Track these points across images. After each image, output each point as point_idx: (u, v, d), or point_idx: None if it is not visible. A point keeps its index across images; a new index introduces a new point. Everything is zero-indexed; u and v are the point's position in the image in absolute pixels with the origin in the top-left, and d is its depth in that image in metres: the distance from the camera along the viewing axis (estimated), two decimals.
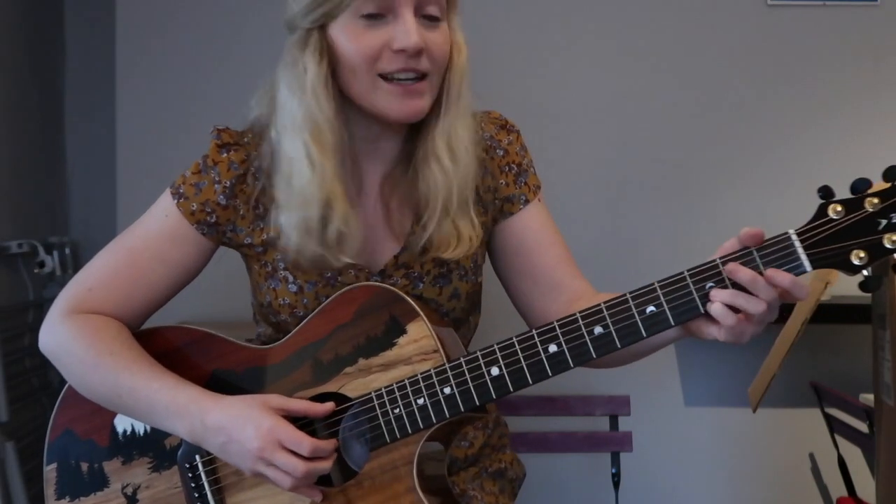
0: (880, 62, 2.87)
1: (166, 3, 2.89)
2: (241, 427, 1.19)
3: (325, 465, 1.20)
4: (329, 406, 1.23)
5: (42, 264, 2.59)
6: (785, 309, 1.86)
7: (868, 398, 2.21)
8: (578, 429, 2.56)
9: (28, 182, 2.68)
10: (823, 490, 2.87)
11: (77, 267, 2.77)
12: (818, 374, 2.76)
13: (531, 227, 1.42)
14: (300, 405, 1.23)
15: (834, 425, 2.60)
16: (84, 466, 1.36)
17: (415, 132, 1.35)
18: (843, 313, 2.50)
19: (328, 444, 1.21)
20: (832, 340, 2.81)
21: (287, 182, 1.28)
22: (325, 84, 1.26)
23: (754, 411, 2.22)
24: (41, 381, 2.69)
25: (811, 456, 2.89)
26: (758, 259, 1.11)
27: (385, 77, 1.25)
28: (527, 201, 1.42)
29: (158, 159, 2.79)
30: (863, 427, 2.34)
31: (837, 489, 2.69)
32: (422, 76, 1.26)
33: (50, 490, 1.38)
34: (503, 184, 1.41)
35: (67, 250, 2.76)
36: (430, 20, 1.26)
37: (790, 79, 2.88)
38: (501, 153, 1.42)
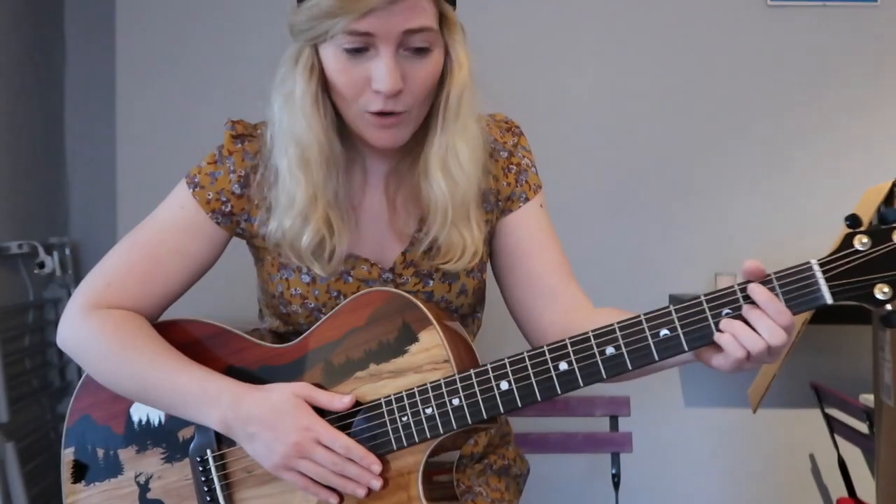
0: (880, 62, 2.88)
1: (166, 3, 2.88)
2: (278, 419, 1.20)
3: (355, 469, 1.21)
4: (349, 400, 1.23)
5: (42, 265, 2.59)
6: None
7: (868, 399, 2.21)
8: (578, 429, 2.55)
9: (28, 182, 2.68)
10: (823, 490, 2.88)
11: (77, 267, 2.78)
12: (818, 374, 2.77)
13: (528, 229, 1.42)
14: (324, 397, 1.23)
15: (834, 426, 2.61)
16: (100, 452, 1.37)
17: (421, 130, 1.34)
18: (844, 314, 2.48)
19: (360, 449, 1.21)
20: (832, 341, 2.82)
21: (276, 188, 1.31)
22: (315, 102, 1.27)
23: (754, 412, 2.22)
24: (41, 381, 2.69)
25: (811, 456, 2.90)
26: (777, 288, 1.09)
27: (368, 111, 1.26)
28: (526, 199, 1.42)
29: (158, 159, 2.80)
30: (863, 428, 2.34)
31: (837, 490, 2.70)
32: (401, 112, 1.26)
33: (67, 474, 1.39)
34: (505, 184, 1.42)
35: (67, 251, 2.76)
36: (417, 52, 1.24)
37: (790, 79, 2.89)
38: (505, 155, 1.42)
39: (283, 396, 1.22)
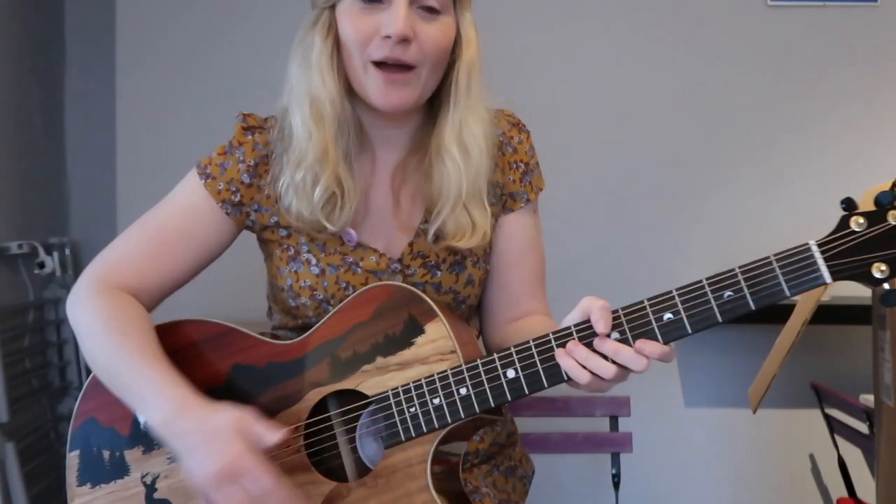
0: (880, 62, 2.89)
1: (166, 3, 2.89)
2: (211, 440, 1.16)
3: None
4: (283, 435, 1.18)
5: (42, 265, 2.59)
6: (785, 309, 1.87)
7: (868, 399, 2.21)
8: (579, 429, 2.55)
9: (28, 182, 2.67)
10: (823, 491, 2.88)
11: (77, 267, 2.78)
12: (818, 374, 2.77)
13: (518, 236, 1.46)
14: (259, 429, 1.17)
15: (834, 426, 2.61)
16: (105, 454, 1.37)
17: (430, 122, 1.37)
18: (843, 314, 2.51)
19: (284, 491, 1.16)
20: (832, 341, 2.82)
21: (289, 146, 1.34)
22: (330, 60, 1.32)
23: (754, 412, 2.22)
24: (41, 381, 2.68)
25: (811, 456, 2.90)
26: (777, 270, 1.10)
27: (375, 64, 1.29)
28: (528, 200, 1.45)
29: (158, 159, 2.80)
30: (863, 428, 2.34)
31: (837, 490, 2.70)
32: (409, 67, 1.28)
33: (72, 477, 1.38)
34: (511, 180, 1.44)
35: (67, 251, 2.76)
36: (428, 12, 1.29)
37: (790, 79, 2.89)
38: (511, 150, 1.45)
39: (224, 421, 1.17)
